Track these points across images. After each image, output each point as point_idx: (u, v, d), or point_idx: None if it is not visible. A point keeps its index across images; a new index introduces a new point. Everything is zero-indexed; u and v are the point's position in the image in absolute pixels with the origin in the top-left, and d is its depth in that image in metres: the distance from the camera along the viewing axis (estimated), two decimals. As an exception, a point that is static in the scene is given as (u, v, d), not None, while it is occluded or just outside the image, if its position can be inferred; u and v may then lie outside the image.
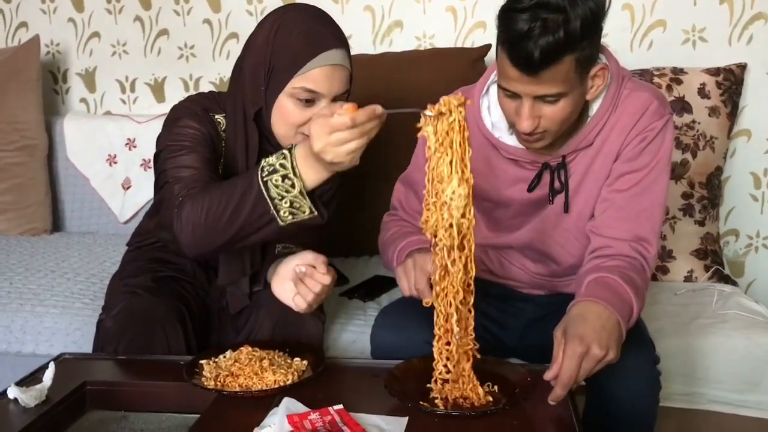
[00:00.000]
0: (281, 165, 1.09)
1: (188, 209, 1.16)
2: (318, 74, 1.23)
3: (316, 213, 1.11)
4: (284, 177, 1.09)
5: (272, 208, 1.10)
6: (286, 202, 1.09)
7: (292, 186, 1.09)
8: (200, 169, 1.25)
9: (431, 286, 1.13)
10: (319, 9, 1.30)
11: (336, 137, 1.01)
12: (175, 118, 1.32)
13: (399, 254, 1.31)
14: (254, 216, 1.11)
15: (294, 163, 1.08)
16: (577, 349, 1.02)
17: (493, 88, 1.28)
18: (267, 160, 1.11)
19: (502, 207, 1.36)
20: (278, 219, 1.10)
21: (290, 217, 1.10)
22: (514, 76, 1.11)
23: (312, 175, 1.09)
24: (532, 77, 1.08)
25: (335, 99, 1.26)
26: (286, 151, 1.10)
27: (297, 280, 1.28)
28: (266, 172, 1.10)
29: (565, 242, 1.33)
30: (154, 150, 1.35)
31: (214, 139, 1.32)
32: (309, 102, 1.25)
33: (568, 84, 1.10)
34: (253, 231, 1.13)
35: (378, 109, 1.01)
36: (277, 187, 1.09)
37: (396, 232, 1.37)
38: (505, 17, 1.09)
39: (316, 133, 1.02)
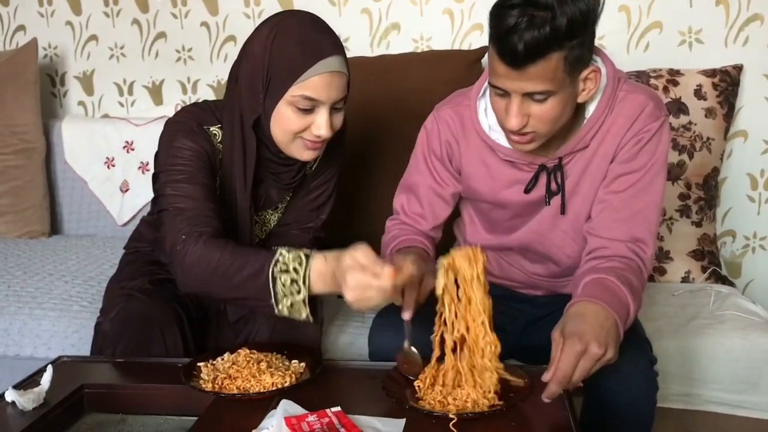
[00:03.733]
0: (294, 269, 1.12)
1: (194, 257, 1.18)
2: (317, 82, 1.23)
3: (311, 319, 1.15)
4: (293, 281, 1.12)
5: (273, 300, 1.13)
6: (287, 302, 1.13)
7: (298, 292, 1.12)
8: (201, 201, 1.26)
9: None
10: (315, 15, 1.30)
11: (369, 295, 1.06)
12: (171, 136, 1.31)
13: (390, 255, 1.34)
14: (256, 296, 1.15)
15: (306, 274, 1.11)
16: (576, 347, 1.01)
17: (490, 91, 1.28)
18: (283, 253, 1.13)
19: (499, 209, 1.36)
20: (275, 309, 1.14)
21: (286, 312, 1.14)
22: (501, 72, 1.12)
23: (319, 289, 1.12)
24: (519, 72, 1.09)
25: (334, 105, 1.27)
26: (303, 257, 1.12)
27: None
28: (278, 269, 1.12)
29: (562, 243, 1.34)
30: (152, 152, 1.35)
31: (210, 154, 1.32)
32: (308, 110, 1.26)
33: (556, 83, 1.11)
34: (250, 305, 1.21)
35: (413, 271, 1.09)
36: (284, 286, 1.12)
37: (396, 235, 1.39)
38: (495, 14, 1.11)
39: (353, 288, 1.06)
